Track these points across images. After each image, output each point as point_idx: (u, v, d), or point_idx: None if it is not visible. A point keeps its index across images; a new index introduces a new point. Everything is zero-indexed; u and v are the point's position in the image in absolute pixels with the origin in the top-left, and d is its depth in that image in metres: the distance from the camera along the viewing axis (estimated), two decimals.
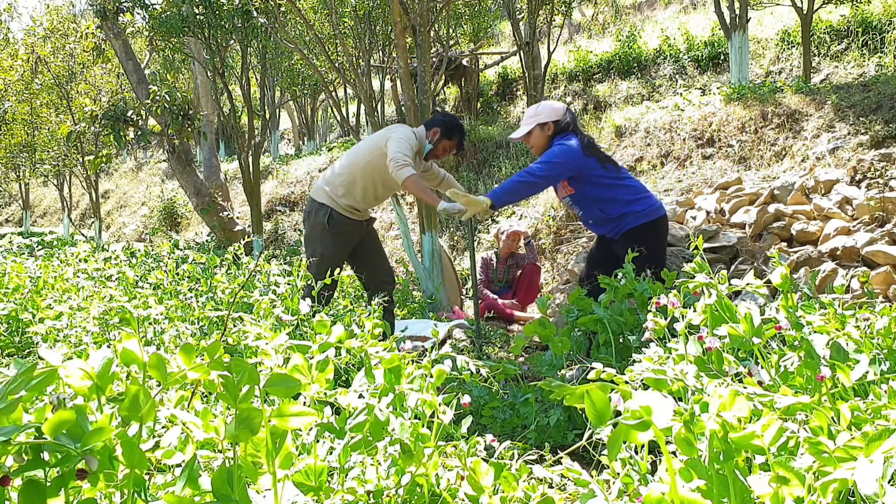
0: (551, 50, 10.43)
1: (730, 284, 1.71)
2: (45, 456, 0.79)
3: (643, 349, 1.80)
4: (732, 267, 4.23)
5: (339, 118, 7.29)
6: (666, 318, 1.85)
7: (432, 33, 6.31)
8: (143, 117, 8.41)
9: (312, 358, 1.32)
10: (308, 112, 16.87)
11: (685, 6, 15.04)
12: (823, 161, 5.44)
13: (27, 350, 3.53)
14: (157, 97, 7.84)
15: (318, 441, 1.33)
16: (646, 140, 7.23)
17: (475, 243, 3.87)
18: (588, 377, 1.35)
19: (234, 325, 2.60)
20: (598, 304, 2.65)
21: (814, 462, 0.93)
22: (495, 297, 5.29)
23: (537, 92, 10.57)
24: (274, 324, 2.75)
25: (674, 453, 1.11)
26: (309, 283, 3.30)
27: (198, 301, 3.32)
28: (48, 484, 0.80)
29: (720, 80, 9.81)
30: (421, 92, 5.10)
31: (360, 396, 1.42)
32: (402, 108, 5.47)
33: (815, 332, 1.54)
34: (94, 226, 12.68)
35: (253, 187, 8.44)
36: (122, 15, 8.54)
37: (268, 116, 10.71)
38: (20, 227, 19.83)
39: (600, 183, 3.27)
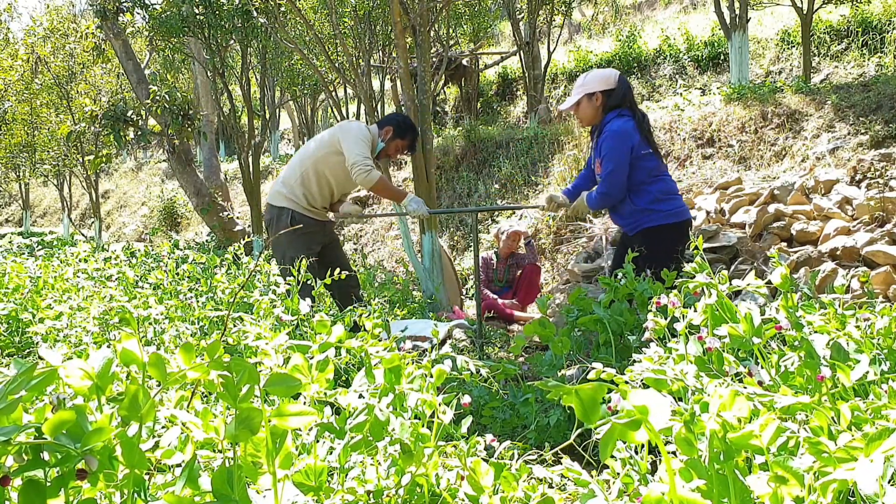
0: (551, 50, 10.43)
1: (730, 284, 1.71)
2: (45, 456, 0.79)
3: (643, 349, 1.80)
4: (732, 267, 4.23)
5: (338, 118, 7.28)
6: (666, 318, 1.85)
7: (432, 33, 6.31)
8: (143, 117, 8.41)
9: (312, 358, 1.32)
10: (308, 112, 16.86)
11: (685, 6, 15.04)
12: (823, 161, 5.44)
13: (27, 350, 3.53)
14: (157, 97, 7.84)
15: (318, 441, 1.33)
16: None
17: (477, 242, 3.87)
18: (588, 377, 1.35)
19: (234, 325, 2.60)
20: (598, 304, 2.65)
21: (814, 462, 0.93)
22: (495, 297, 5.29)
23: (537, 92, 10.57)
24: (274, 324, 2.75)
25: (674, 453, 1.11)
26: (307, 282, 3.30)
27: (198, 301, 3.32)
28: (48, 484, 0.80)
29: (720, 80, 9.82)
30: (421, 92, 5.10)
31: (360, 396, 1.42)
32: (402, 108, 5.47)
33: (815, 332, 1.54)
34: (94, 226, 12.68)
35: (253, 187, 8.44)
36: (122, 15, 8.54)
37: (268, 116, 10.70)
38: (20, 227, 19.83)
39: (640, 167, 3.09)
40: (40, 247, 11.01)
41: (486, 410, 2.41)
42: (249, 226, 9.24)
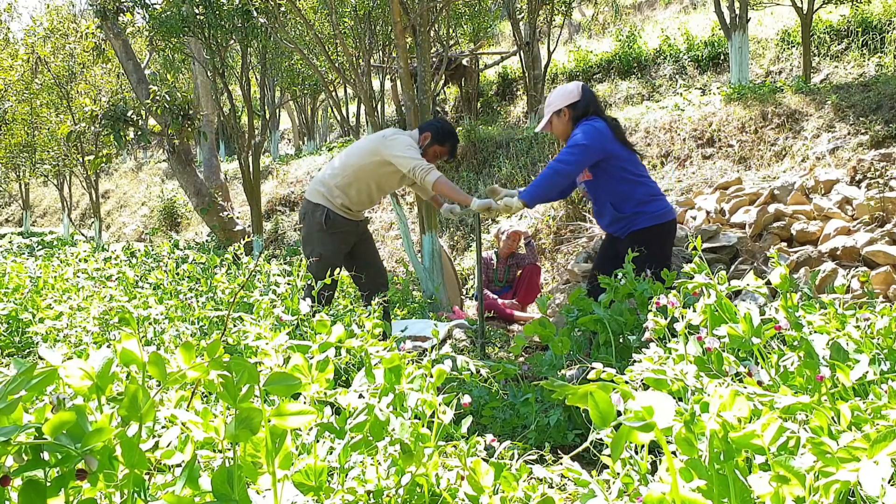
0: (551, 50, 10.43)
1: (730, 284, 1.71)
2: (45, 456, 0.79)
3: (643, 349, 1.80)
4: (732, 267, 4.23)
5: (339, 118, 7.29)
6: (666, 318, 1.85)
7: (432, 33, 6.32)
8: (143, 117, 8.41)
9: (312, 358, 1.32)
10: (308, 112, 16.88)
11: (685, 6, 15.04)
12: (823, 161, 5.44)
13: (27, 350, 3.53)
14: (157, 97, 7.84)
15: (318, 441, 1.33)
16: (646, 140, 7.23)
17: (480, 242, 3.86)
18: (588, 377, 1.35)
19: (234, 325, 2.60)
20: (598, 304, 2.65)
21: (816, 462, 0.93)
22: (495, 297, 5.29)
23: (537, 92, 10.57)
24: (274, 324, 2.75)
25: (674, 453, 1.11)
26: (309, 283, 3.30)
27: (198, 301, 3.32)
28: (48, 484, 0.80)
29: (720, 80, 9.82)
30: (421, 92, 5.10)
31: (360, 396, 1.42)
32: (402, 108, 5.47)
33: (815, 332, 1.54)
34: (94, 226, 12.68)
35: (253, 187, 8.44)
36: (122, 15, 8.55)
37: (268, 116, 10.70)
38: (20, 227, 19.84)
39: (621, 176, 3.14)
40: (40, 247, 11.01)
41: (486, 410, 2.41)
42: (249, 226, 9.24)
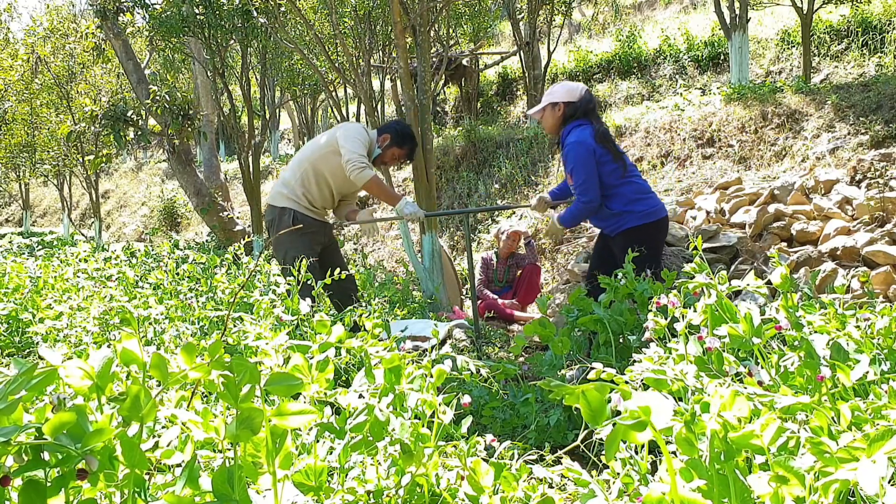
0: (551, 50, 10.43)
1: (730, 284, 1.71)
2: (46, 456, 0.79)
3: (643, 349, 1.80)
4: (732, 267, 4.23)
5: (339, 118, 7.28)
6: (666, 318, 1.85)
7: (432, 33, 6.32)
8: (143, 117, 8.41)
9: (312, 358, 1.32)
10: (308, 112, 16.87)
11: (685, 6, 15.04)
12: (823, 161, 5.44)
13: (27, 350, 3.53)
14: (157, 97, 7.84)
15: (318, 441, 1.33)
16: (646, 140, 7.23)
17: (473, 242, 3.88)
18: (588, 377, 1.35)
19: (234, 325, 2.60)
20: (598, 304, 2.65)
21: (815, 462, 0.93)
22: (495, 297, 5.29)
23: (537, 92, 10.57)
24: (274, 324, 2.75)
25: (674, 453, 1.11)
26: (307, 282, 3.30)
27: (198, 301, 3.32)
28: (48, 484, 0.80)
29: (720, 80, 9.82)
30: (421, 92, 5.10)
31: (360, 396, 1.42)
32: (402, 108, 5.47)
33: (815, 332, 1.54)
34: (94, 226, 12.67)
35: (253, 187, 8.44)
36: (122, 15, 8.54)
37: (268, 116, 10.70)
38: (20, 227, 19.83)
39: (606, 178, 3.23)
40: (40, 247, 11.01)
41: (486, 410, 2.41)
42: (249, 226, 9.24)
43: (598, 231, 3.56)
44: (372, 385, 1.44)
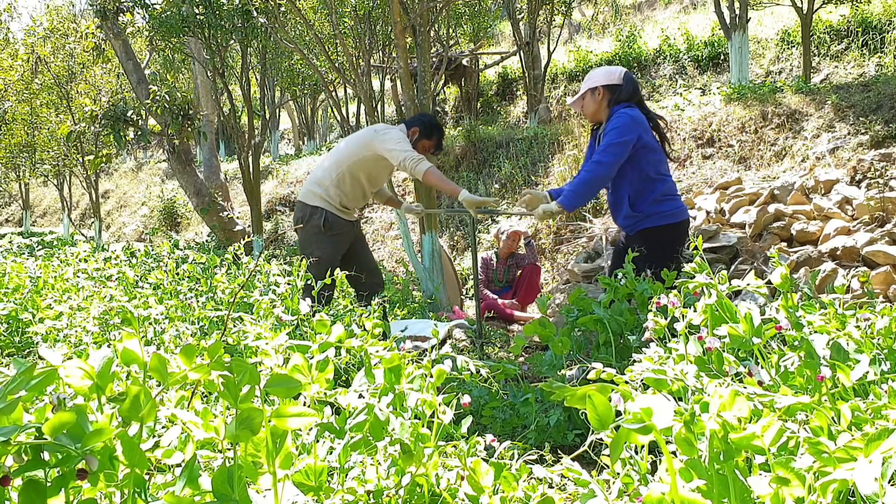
0: (551, 50, 10.44)
1: (730, 284, 1.71)
2: (45, 456, 0.79)
3: (643, 349, 1.80)
4: (732, 267, 4.23)
5: (339, 118, 7.29)
6: (666, 318, 1.85)
7: (432, 33, 6.32)
8: (143, 117, 8.41)
9: (312, 358, 1.32)
10: (308, 112, 16.87)
11: (685, 6, 15.04)
12: (823, 161, 5.44)
13: (27, 350, 3.53)
14: (157, 97, 7.84)
15: (318, 441, 1.33)
16: None
17: (476, 242, 3.88)
18: (588, 377, 1.35)
19: (234, 325, 2.60)
20: (598, 304, 2.65)
21: (814, 462, 0.93)
22: (495, 297, 5.29)
23: (537, 92, 10.57)
24: (274, 324, 2.75)
25: (674, 453, 1.11)
26: (308, 282, 3.30)
27: (198, 301, 3.32)
28: (48, 484, 0.80)
29: (720, 80, 9.82)
30: (421, 92, 5.10)
31: (360, 396, 1.42)
32: (402, 108, 5.46)
33: (815, 332, 1.54)
34: (94, 226, 12.67)
35: (253, 187, 8.44)
36: (122, 15, 8.54)
37: (268, 116, 10.70)
38: (20, 227, 19.83)
39: (645, 170, 3.01)
40: (40, 247, 11.01)
41: (486, 410, 2.41)
42: (249, 226, 9.24)
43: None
44: (372, 385, 1.44)
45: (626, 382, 1.40)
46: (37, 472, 0.79)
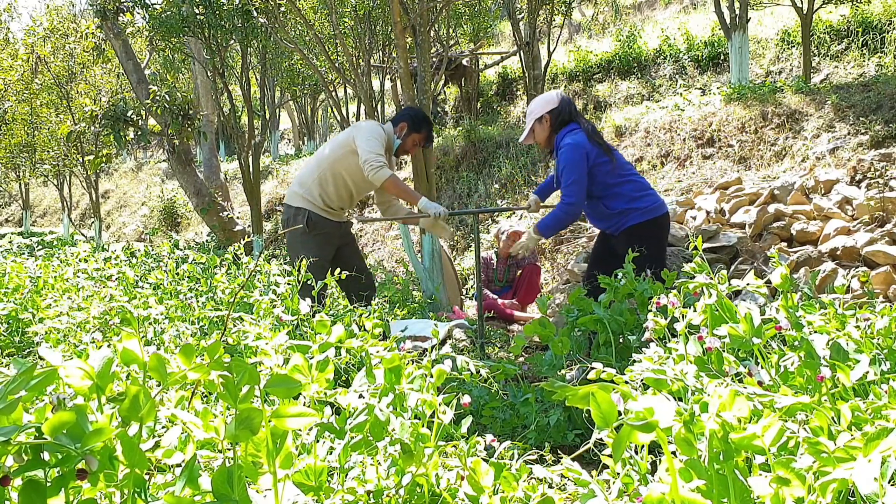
0: (551, 50, 10.42)
1: (730, 284, 1.71)
2: (45, 456, 0.79)
3: (643, 349, 1.80)
4: (732, 267, 4.23)
5: (339, 118, 7.29)
6: (666, 318, 1.85)
7: (432, 33, 6.31)
8: (143, 117, 8.40)
9: (312, 358, 1.32)
10: (308, 112, 16.87)
11: (685, 6, 15.04)
12: (823, 161, 5.44)
13: (27, 350, 3.53)
14: (157, 97, 7.84)
15: (318, 441, 1.33)
16: (646, 140, 7.23)
17: (479, 242, 3.88)
18: (588, 377, 1.35)
19: (234, 325, 2.60)
20: (598, 304, 2.65)
21: (814, 462, 0.93)
22: (495, 297, 5.29)
23: (537, 92, 10.56)
24: (274, 324, 2.75)
25: (673, 453, 1.11)
26: (308, 282, 3.30)
27: (198, 301, 3.32)
28: (48, 484, 0.80)
29: (720, 80, 9.81)
30: (421, 92, 5.10)
31: (361, 396, 1.42)
32: (402, 108, 5.46)
33: (815, 332, 1.54)
34: (94, 226, 12.67)
35: (253, 187, 8.44)
36: (122, 15, 8.55)
37: (268, 116, 10.70)
38: (20, 227, 19.83)
39: (605, 180, 3.23)
40: (40, 247, 11.01)
41: (486, 410, 2.41)
42: (249, 226, 9.24)
43: (597, 231, 3.56)
44: (372, 385, 1.44)
45: (627, 382, 1.40)
46: (37, 472, 0.79)
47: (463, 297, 5.80)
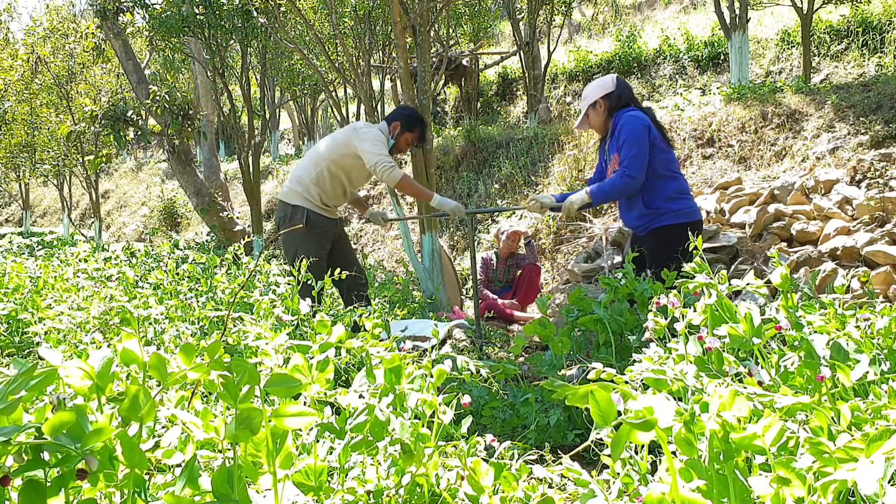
0: (551, 50, 10.44)
1: (730, 284, 1.71)
2: (45, 456, 0.79)
3: (643, 349, 1.80)
4: (732, 267, 4.23)
5: (339, 118, 7.28)
6: (666, 318, 1.85)
7: (432, 33, 6.31)
8: (143, 117, 8.40)
9: (312, 358, 1.32)
10: (308, 112, 16.86)
11: (685, 6, 15.04)
12: (823, 161, 5.44)
13: (27, 350, 3.53)
14: (157, 97, 7.84)
15: (318, 441, 1.33)
16: None
17: (475, 243, 3.88)
18: (588, 377, 1.35)
19: (234, 325, 2.60)
20: (597, 303, 2.65)
21: (814, 462, 0.93)
22: (495, 297, 5.29)
23: (537, 92, 10.57)
24: (274, 324, 2.75)
25: (673, 453, 1.11)
26: (308, 282, 3.30)
27: (198, 301, 3.32)
28: (48, 484, 0.80)
29: (720, 80, 9.82)
30: (421, 92, 5.10)
31: (361, 396, 1.42)
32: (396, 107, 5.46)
33: (815, 332, 1.54)
34: (94, 226, 12.67)
35: (253, 187, 8.44)
36: (122, 15, 8.54)
37: (268, 116, 10.70)
38: (20, 227, 19.83)
39: (656, 166, 3.04)
40: (40, 247, 11.01)
41: (486, 410, 2.41)
42: (249, 226, 9.23)
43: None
44: (372, 385, 1.44)
45: (626, 382, 1.40)
46: (37, 472, 0.79)
47: (463, 297, 5.80)
